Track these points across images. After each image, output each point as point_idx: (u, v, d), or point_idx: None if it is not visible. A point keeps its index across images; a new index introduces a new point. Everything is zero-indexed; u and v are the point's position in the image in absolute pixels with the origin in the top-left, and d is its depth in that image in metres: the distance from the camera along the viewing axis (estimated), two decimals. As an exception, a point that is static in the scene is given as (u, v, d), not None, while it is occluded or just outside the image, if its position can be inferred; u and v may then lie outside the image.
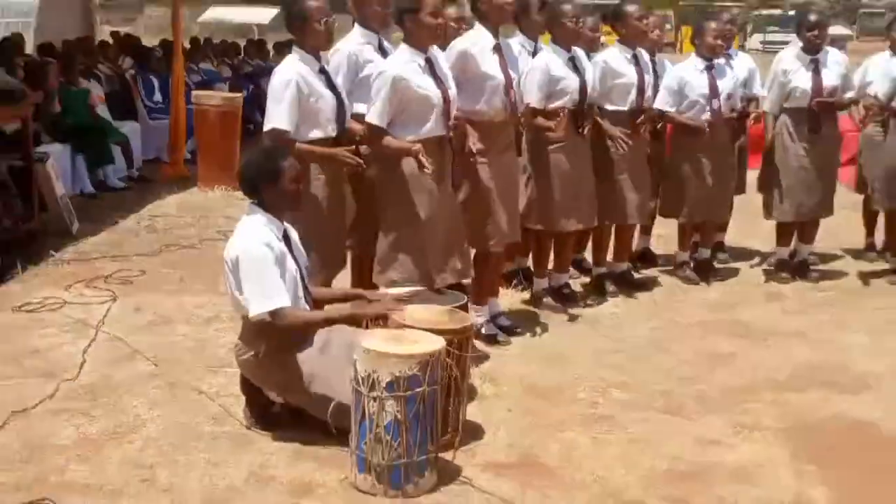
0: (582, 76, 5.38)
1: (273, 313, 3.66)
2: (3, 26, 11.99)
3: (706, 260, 6.45)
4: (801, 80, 6.10)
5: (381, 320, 3.83)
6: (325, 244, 4.48)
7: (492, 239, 4.95)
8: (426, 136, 4.45)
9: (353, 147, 4.44)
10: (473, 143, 4.68)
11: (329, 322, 3.88)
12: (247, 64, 13.63)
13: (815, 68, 6.11)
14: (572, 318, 5.54)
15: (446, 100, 4.52)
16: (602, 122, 5.59)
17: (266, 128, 4.34)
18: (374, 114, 4.40)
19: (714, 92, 6.05)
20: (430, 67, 4.51)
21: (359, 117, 4.56)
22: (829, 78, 6.12)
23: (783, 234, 6.49)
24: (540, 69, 5.27)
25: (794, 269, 6.45)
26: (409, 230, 4.50)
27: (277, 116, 4.29)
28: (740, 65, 6.55)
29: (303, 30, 4.43)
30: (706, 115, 6.02)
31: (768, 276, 6.49)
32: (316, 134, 4.39)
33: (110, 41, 13.09)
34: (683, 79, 6.07)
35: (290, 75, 4.33)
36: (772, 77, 6.27)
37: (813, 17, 6.29)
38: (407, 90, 4.40)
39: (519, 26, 5.49)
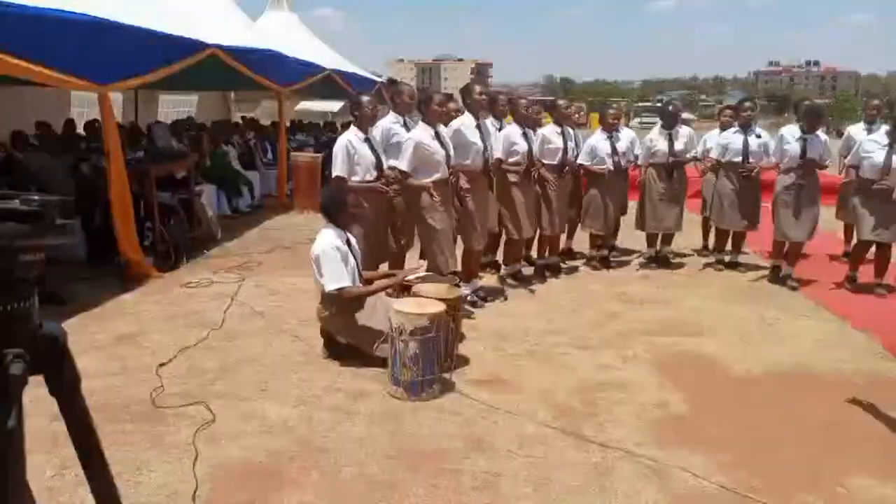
0: (530, 143, 5.38)
1: (340, 289, 3.67)
2: (176, 113, 12.10)
3: (605, 256, 6.42)
4: (661, 146, 6.11)
5: (406, 292, 3.84)
6: (375, 246, 4.48)
7: (477, 242, 4.94)
8: (435, 179, 4.45)
9: (385, 181, 4.47)
10: (464, 184, 4.67)
11: (373, 292, 3.86)
12: (324, 135, 13.57)
13: (670, 139, 6.11)
14: (524, 292, 5.51)
15: (447, 157, 4.52)
16: (542, 171, 5.57)
17: (333, 174, 4.38)
18: (403, 163, 4.42)
19: (614, 152, 6.06)
20: (438, 137, 4.51)
21: (390, 167, 4.56)
22: (679, 145, 6.12)
23: (650, 240, 6.47)
24: (504, 136, 5.31)
25: (659, 261, 6.42)
26: (430, 239, 4.49)
27: (336, 168, 4.36)
28: (626, 136, 6.54)
29: (357, 113, 4.45)
30: (608, 166, 6.03)
31: (642, 266, 6.46)
32: (360, 176, 4.41)
33: (240, 122, 13.05)
34: (594, 145, 6.08)
35: (343, 142, 4.39)
36: (644, 143, 6.26)
37: (670, 108, 6.34)
38: (424, 149, 4.41)
39: (492, 112, 5.48)
